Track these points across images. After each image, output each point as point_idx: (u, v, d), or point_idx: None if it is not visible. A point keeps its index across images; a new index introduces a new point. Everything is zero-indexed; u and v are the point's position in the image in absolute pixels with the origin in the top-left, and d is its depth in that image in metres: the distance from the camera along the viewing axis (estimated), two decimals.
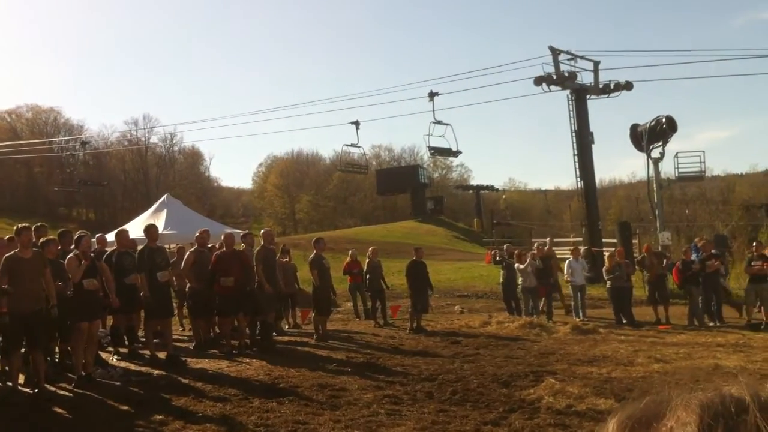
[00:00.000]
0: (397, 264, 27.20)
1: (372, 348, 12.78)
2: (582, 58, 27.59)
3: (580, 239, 28.41)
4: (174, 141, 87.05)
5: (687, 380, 8.92)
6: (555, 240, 26.09)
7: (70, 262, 9.73)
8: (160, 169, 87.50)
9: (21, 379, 9.50)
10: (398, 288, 21.97)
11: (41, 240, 9.96)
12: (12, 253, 9.19)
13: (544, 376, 9.48)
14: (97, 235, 12.87)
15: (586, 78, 27.62)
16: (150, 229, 12.17)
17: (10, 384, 9.40)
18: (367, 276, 16.86)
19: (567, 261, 17.61)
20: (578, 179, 28.02)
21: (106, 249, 12.55)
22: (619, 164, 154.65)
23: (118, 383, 9.85)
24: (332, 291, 15.34)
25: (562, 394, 8.34)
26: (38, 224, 10.95)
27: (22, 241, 9.20)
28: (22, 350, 9.35)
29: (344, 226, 79.20)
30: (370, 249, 17.42)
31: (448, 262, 38.89)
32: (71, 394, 9.30)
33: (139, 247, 12.17)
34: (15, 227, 9.69)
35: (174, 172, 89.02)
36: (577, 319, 16.20)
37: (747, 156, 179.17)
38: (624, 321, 15.88)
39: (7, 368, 9.85)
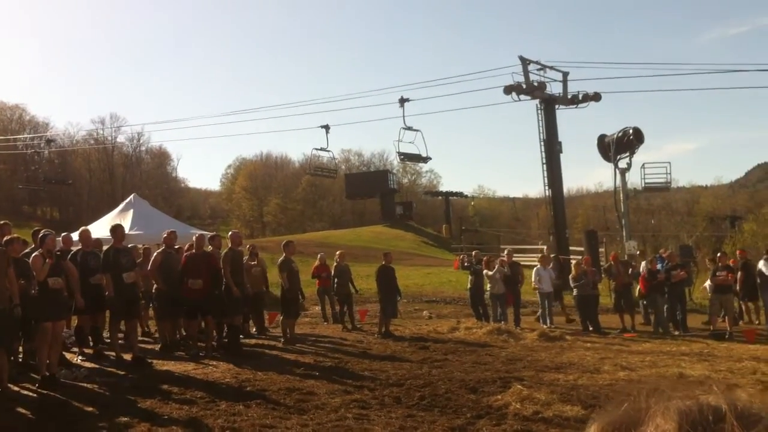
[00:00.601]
0: (366, 268, 27.20)
1: (340, 352, 12.75)
2: (551, 68, 27.84)
3: (545, 246, 28.65)
4: (141, 141, 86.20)
5: (651, 389, 9.03)
6: (522, 247, 26.15)
7: (35, 261, 9.57)
8: (126, 169, 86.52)
9: None
10: (366, 292, 21.95)
11: (5, 238, 9.80)
12: None
13: (511, 382, 9.51)
14: (63, 234, 12.67)
15: (555, 88, 27.90)
16: (116, 229, 12.04)
17: None
18: (335, 279, 16.82)
19: (535, 268, 17.73)
20: (546, 187, 28.27)
21: (72, 248, 12.36)
22: (587, 174, 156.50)
23: (83, 384, 9.71)
24: (301, 294, 15.28)
25: (529, 400, 8.37)
26: (1, 222, 10.76)
27: None
28: None
29: (313, 229, 78.97)
30: (337, 253, 17.38)
31: (416, 267, 38.99)
32: (35, 395, 9.13)
33: (105, 247, 12.02)
34: None
35: (141, 172, 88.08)
36: (545, 326, 16.31)
37: (712, 168, 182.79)
38: (590, 328, 16.02)
39: None
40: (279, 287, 14.87)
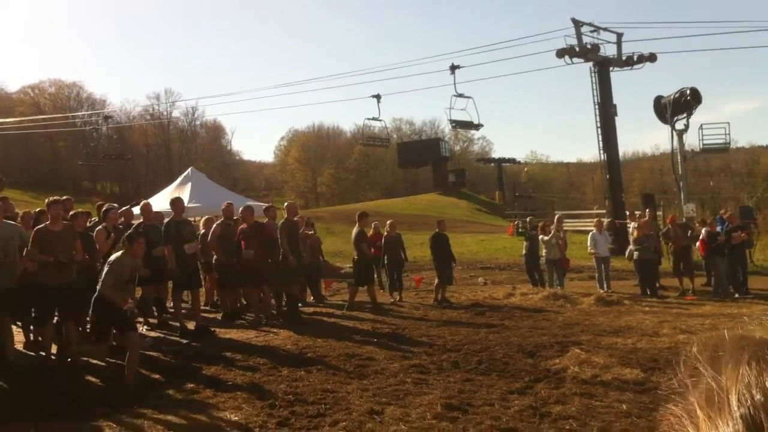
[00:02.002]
0: (420, 236, 27.27)
1: (397, 318, 12.89)
2: (605, 29, 27.28)
3: (604, 211, 28.29)
4: (196, 115, 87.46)
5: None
6: (577, 212, 25.85)
7: (99, 234, 9.86)
8: (182, 143, 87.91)
9: (54, 349, 9.70)
10: (421, 260, 22.05)
11: (70, 213, 10.12)
12: (43, 225, 9.35)
13: (569, 346, 9.52)
14: (124, 208, 12.99)
15: (609, 50, 27.35)
16: (176, 202, 12.30)
17: (43, 354, 9.61)
18: (386, 250, 16.40)
19: (591, 233, 17.56)
20: (601, 152, 27.84)
21: (133, 222, 12.68)
22: (643, 137, 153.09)
23: (149, 353, 10.02)
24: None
25: (587, 364, 8.37)
26: (64, 197, 11.05)
27: (52, 214, 9.34)
28: (54, 321, 9.55)
29: (366, 199, 79.34)
30: (387, 222, 17.26)
31: (470, 234, 38.92)
32: (103, 364, 9.46)
33: (166, 220, 12.31)
34: (46, 200, 9.81)
35: (196, 146, 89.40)
36: (602, 291, 16.17)
37: None
38: (648, 292, 15.83)
39: (40, 338, 10.06)
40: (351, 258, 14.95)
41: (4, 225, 9.17)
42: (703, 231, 16.50)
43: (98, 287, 8.04)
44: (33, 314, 10.15)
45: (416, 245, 25.16)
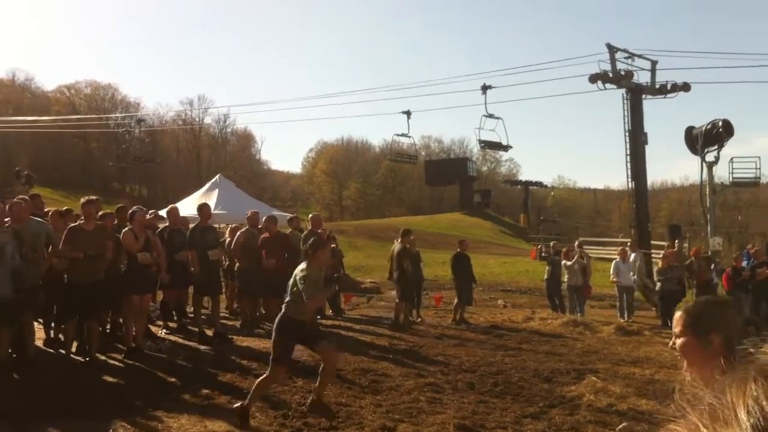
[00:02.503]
0: (442, 255, 27.25)
1: (414, 336, 12.88)
2: (639, 56, 27.15)
3: (628, 240, 28.07)
4: (227, 122, 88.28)
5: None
6: (601, 240, 25.65)
7: (126, 236, 9.99)
8: (212, 150, 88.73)
9: (73, 347, 9.83)
10: (442, 279, 22.02)
11: (100, 213, 10.29)
12: (76, 224, 9.54)
13: (586, 374, 9.47)
14: (150, 211, 13.15)
15: (642, 77, 27.21)
16: (203, 208, 12.44)
17: (63, 351, 9.74)
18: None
19: (614, 262, 17.46)
20: (629, 179, 27.64)
21: (158, 225, 12.82)
22: (672, 166, 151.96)
23: (167, 356, 10.12)
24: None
25: (603, 392, 8.33)
26: (93, 197, 11.18)
27: (85, 213, 9.52)
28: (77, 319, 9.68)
29: (391, 215, 79.44)
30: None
31: (492, 256, 38.78)
32: (121, 365, 9.58)
33: (191, 225, 12.44)
34: (81, 200, 9.97)
35: (226, 153, 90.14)
36: (622, 320, 16.05)
37: None
38: (670, 324, 15.66)
39: (61, 336, 10.19)
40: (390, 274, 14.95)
41: (32, 222, 9.34)
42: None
43: (287, 307, 7.12)
44: (54, 312, 10.31)
45: (438, 264, 25.15)
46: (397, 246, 14.60)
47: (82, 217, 9.70)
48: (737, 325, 2.70)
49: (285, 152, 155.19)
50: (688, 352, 2.63)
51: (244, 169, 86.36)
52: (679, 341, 2.68)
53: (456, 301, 15.46)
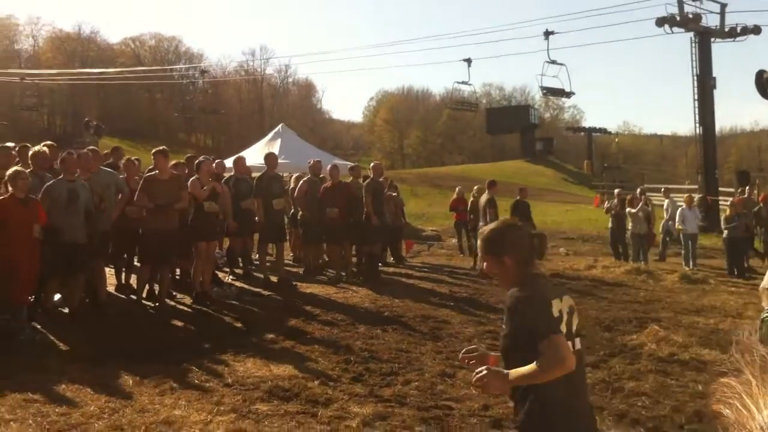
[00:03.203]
0: (504, 203, 27.01)
1: (475, 284, 12.93)
2: None
3: (696, 187, 27.43)
4: (288, 73, 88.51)
5: None
6: (668, 186, 25.13)
7: (194, 185, 10.22)
8: (274, 100, 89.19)
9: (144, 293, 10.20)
10: None
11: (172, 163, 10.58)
12: (151, 174, 9.83)
13: (648, 322, 9.40)
14: (217, 161, 13.37)
15: (711, 20, 26.28)
16: (269, 157, 12.62)
17: (134, 297, 10.12)
18: (471, 215, 16.35)
19: (680, 209, 17.11)
20: (697, 125, 26.93)
21: (224, 174, 13.05)
22: (742, 111, 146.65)
23: (233, 302, 10.41)
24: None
25: (665, 341, 8.26)
26: (164, 148, 11.44)
27: (158, 163, 9.78)
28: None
29: (452, 162, 78.94)
30: (475, 188, 17.13)
31: (555, 204, 38.36)
32: (189, 310, 9.91)
33: (255, 174, 12.63)
34: (152, 151, 10.21)
35: (287, 104, 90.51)
36: (687, 268, 15.80)
37: None
38: (736, 272, 15.36)
39: (132, 282, 10.56)
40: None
41: (102, 172, 9.67)
42: None
43: None
44: (125, 258, 10.68)
45: (501, 212, 24.99)
46: (484, 196, 14.58)
47: (155, 168, 9.95)
48: (531, 246, 3.18)
49: (346, 102, 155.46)
50: (492, 272, 3.22)
51: (305, 119, 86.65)
52: (483, 264, 3.25)
53: None
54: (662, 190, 20.81)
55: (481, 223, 14.22)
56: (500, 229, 3.25)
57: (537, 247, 3.22)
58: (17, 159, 9.40)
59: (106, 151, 12.22)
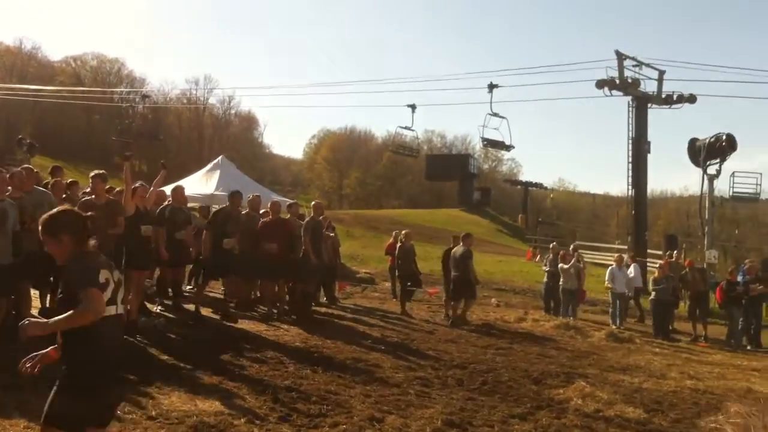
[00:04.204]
0: (438, 250, 27.25)
1: (407, 329, 12.94)
2: (648, 65, 27.29)
3: (625, 247, 28.17)
4: (231, 104, 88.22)
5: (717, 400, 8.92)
6: (598, 245, 25.75)
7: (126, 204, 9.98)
8: (215, 130, 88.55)
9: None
10: (437, 273, 22.03)
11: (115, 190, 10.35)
12: (87, 198, 9.58)
13: (575, 378, 9.53)
14: (159, 189, 13.11)
15: (649, 86, 27.32)
16: (235, 196, 12.54)
17: None
18: (399, 261, 16.11)
19: (609, 268, 17.55)
20: (630, 187, 27.77)
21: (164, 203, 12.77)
22: (673, 176, 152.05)
23: (161, 332, 10.15)
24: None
25: (591, 398, 8.38)
26: (102, 172, 11.14)
27: (95, 187, 9.55)
28: None
29: (389, 206, 79.41)
30: (402, 232, 16.79)
31: (488, 254, 38.81)
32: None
33: (191, 204, 12.45)
34: (90, 174, 9.93)
35: (228, 134, 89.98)
36: (614, 327, 16.14)
37: None
38: (661, 334, 15.75)
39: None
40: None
41: (35, 192, 9.39)
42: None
43: None
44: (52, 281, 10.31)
45: (434, 258, 25.13)
46: (460, 249, 14.79)
47: (92, 192, 9.71)
48: (84, 227, 3.78)
49: (287, 137, 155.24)
50: (54, 251, 3.75)
51: (245, 151, 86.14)
52: (48, 245, 3.77)
53: (445, 297, 15.60)
54: (625, 251, 21.36)
55: (453, 274, 14.40)
56: (57, 213, 3.83)
57: (89, 229, 3.83)
58: None
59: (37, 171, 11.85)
